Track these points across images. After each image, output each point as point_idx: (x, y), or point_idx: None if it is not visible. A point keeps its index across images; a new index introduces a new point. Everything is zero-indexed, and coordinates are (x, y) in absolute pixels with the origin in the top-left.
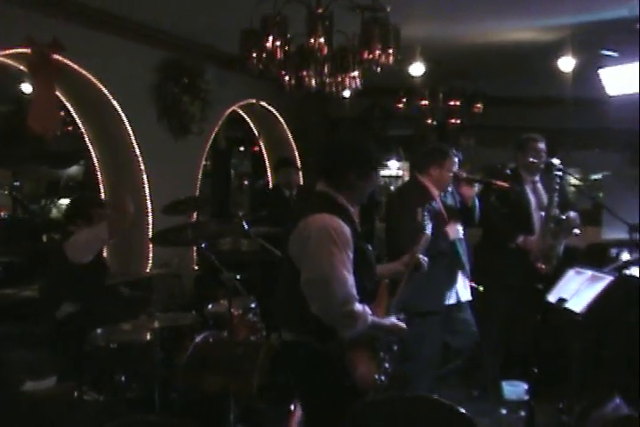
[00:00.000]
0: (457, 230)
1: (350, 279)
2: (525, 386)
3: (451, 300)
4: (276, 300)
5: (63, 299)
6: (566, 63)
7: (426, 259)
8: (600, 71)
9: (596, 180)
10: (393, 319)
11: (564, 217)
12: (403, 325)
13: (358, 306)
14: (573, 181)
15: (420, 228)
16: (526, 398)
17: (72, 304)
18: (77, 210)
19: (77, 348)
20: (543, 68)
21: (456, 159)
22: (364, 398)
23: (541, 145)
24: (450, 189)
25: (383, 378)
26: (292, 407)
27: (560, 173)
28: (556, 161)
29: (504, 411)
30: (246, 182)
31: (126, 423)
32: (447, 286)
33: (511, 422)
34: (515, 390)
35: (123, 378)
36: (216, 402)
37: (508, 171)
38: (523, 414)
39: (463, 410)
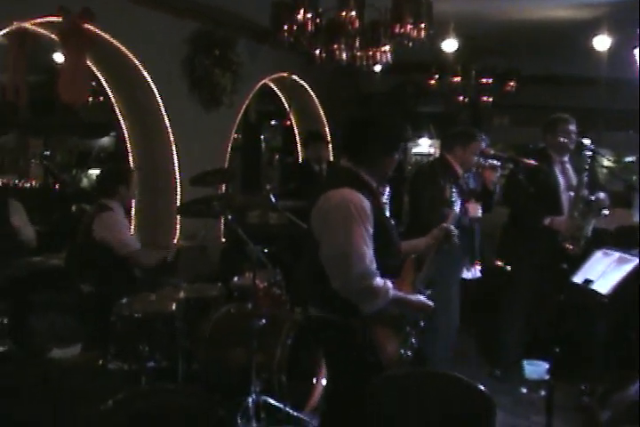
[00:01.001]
0: (477, 209)
1: (369, 254)
2: (547, 366)
3: (468, 274)
4: (299, 274)
5: (86, 272)
6: (601, 42)
7: (456, 231)
8: (635, 51)
9: (629, 162)
10: (420, 296)
11: (593, 198)
12: (430, 302)
13: (378, 281)
14: (606, 162)
15: (447, 204)
16: (547, 377)
17: (88, 286)
18: (104, 184)
19: (103, 317)
20: (578, 47)
21: (483, 144)
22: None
23: (571, 126)
24: (473, 170)
25: (409, 353)
26: (315, 381)
27: (591, 154)
28: (586, 141)
29: (524, 390)
30: (277, 157)
31: (145, 392)
32: (463, 261)
33: (531, 401)
34: (536, 369)
35: (146, 348)
36: (238, 374)
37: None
38: (543, 393)
39: (482, 387)
